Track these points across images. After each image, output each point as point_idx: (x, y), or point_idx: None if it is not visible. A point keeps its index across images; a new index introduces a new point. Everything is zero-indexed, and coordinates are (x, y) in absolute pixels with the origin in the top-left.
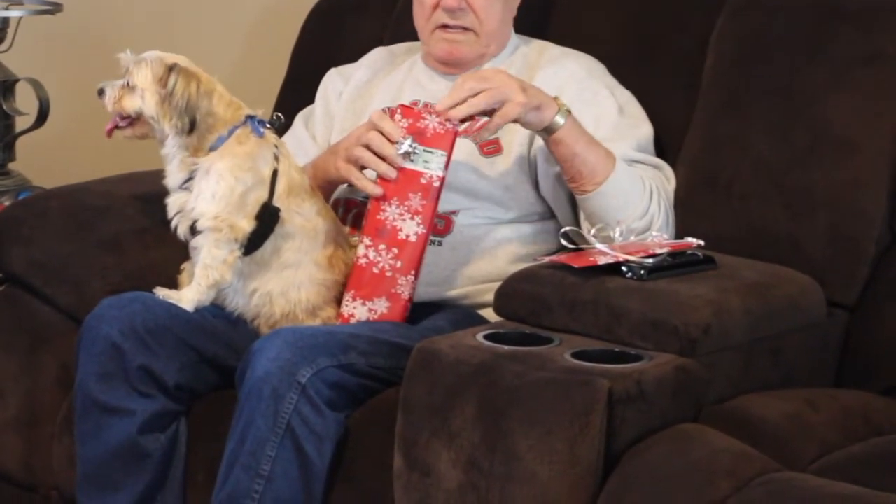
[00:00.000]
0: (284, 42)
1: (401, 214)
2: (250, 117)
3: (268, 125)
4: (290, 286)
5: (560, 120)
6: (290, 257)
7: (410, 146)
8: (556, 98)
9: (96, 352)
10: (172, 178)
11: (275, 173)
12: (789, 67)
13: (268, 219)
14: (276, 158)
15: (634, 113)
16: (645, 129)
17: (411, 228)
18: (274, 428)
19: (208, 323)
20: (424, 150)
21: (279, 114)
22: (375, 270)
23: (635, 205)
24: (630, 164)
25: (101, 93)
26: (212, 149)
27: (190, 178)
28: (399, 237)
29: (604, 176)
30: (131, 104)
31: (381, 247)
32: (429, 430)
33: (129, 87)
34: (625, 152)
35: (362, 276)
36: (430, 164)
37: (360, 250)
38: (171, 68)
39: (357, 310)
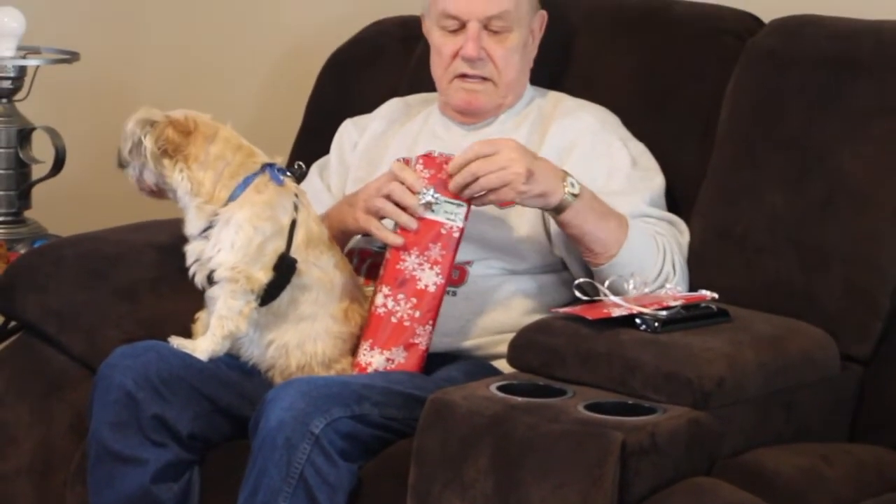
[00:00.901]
0: (300, 92)
1: (420, 264)
2: (269, 165)
3: (288, 173)
4: (307, 338)
5: (566, 202)
6: (306, 309)
7: (433, 197)
8: (564, 177)
9: (110, 400)
10: (192, 226)
11: (293, 223)
12: (804, 120)
13: (285, 270)
14: (296, 208)
15: (647, 165)
16: (658, 181)
17: (430, 279)
18: (287, 478)
19: (222, 372)
20: (446, 202)
21: (300, 163)
22: (394, 320)
23: (650, 269)
24: (643, 219)
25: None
26: (230, 199)
27: (209, 227)
28: (418, 287)
29: (616, 248)
30: (147, 178)
31: (400, 296)
32: (442, 481)
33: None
34: (637, 207)
35: (380, 326)
36: (451, 216)
37: (379, 300)
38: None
39: (374, 359)
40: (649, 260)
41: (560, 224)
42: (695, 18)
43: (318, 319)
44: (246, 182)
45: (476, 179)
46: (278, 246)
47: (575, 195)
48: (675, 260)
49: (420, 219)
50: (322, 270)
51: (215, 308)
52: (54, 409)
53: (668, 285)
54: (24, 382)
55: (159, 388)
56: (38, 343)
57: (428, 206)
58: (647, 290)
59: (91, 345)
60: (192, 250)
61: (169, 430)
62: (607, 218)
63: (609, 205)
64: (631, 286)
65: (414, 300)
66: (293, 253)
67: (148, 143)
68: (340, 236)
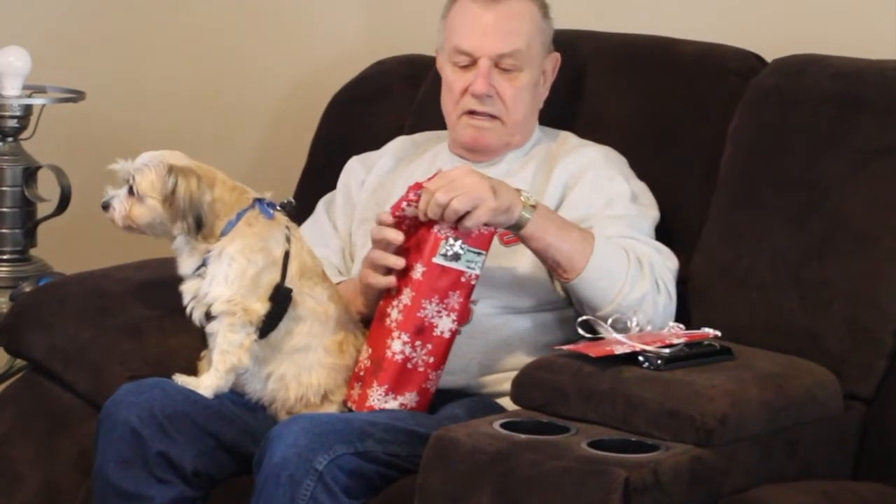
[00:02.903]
0: (305, 130)
1: (438, 312)
2: (259, 200)
3: (278, 207)
4: (302, 369)
5: (526, 215)
6: (300, 341)
7: (461, 248)
8: (519, 192)
9: (115, 437)
10: (185, 266)
11: (286, 254)
12: (807, 158)
13: (281, 300)
14: (288, 241)
15: (646, 201)
16: (652, 215)
17: (446, 325)
18: None
19: (227, 409)
20: (469, 250)
21: (291, 199)
22: (409, 366)
23: (622, 282)
24: (625, 238)
25: (106, 207)
26: (222, 234)
27: (203, 265)
28: (434, 334)
29: (583, 262)
30: (142, 216)
31: (418, 343)
32: None
33: (137, 197)
34: (623, 232)
35: (397, 372)
36: (472, 264)
37: (397, 346)
38: (169, 170)
39: (388, 403)
40: (620, 272)
41: (523, 239)
42: (698, 57)
43: (311, 351)
44: (238, 217)
45: (448, 204)
46: (273, 277)
47: (532, 206)
48: (651, 271)
49: (443, 268)
50: (316, 301)
51: (216, 343)
52: (59, 446)
53: (646, 302)
54: (29, 420)
55: (164, 425)
56: (44, 380)
57: (456, 256)
58: (629, 300)
59: (96, 382)
60: (187, 289)
61: (174, 468)
62: (568, 229)
63: (576, 223)
64: (634, 323)
65: (430, 346)
66: (287, 284)
67: (182, 189)
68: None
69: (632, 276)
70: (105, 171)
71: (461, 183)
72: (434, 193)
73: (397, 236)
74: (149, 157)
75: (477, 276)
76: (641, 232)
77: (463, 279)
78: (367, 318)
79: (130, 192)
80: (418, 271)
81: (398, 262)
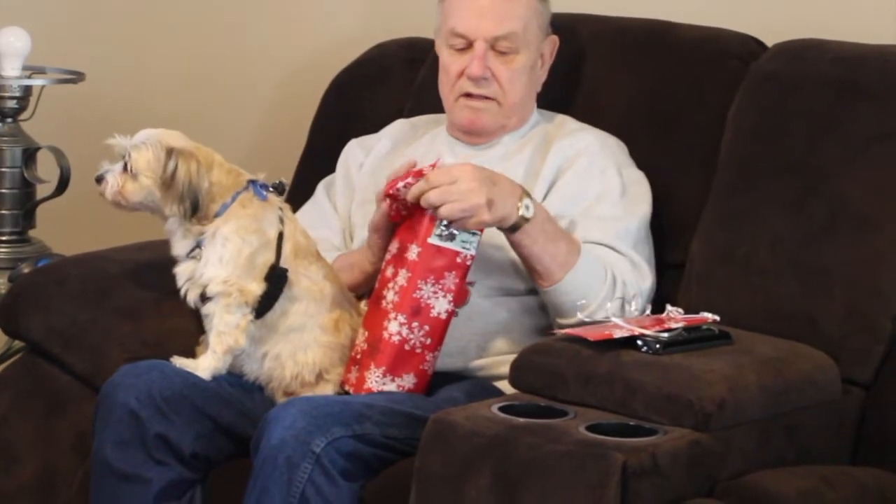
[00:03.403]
0: (304, 113)
1: (435, 293)
2: (252, 182)
3: (270, 189)
4: (298, 348)
5: (518, 224)
6: (296, 320)
7: (456, 228)
8: (521, 197)
9: (113, 419)
10: (179, 247)
11: (280, 235)
12: (807, 143)
13: (276, 280)
14: (282, 221)
15: (637, 195)
16: (641, 211)
17: (442, 306)
18: (288, 497)
19: (225, 391)
20: (464, 231)
21: (282, 179)
22: (407, 347)
23: (593, 299)
24: (606, 249)
25: (100, 180)
26: (216, 216)
27: (197, 247)
28: (431, 315)
29: (561, 274)
30: (134, 194)
31: (415, 324)
32: (443, 501)
33: (131, 174)
34: (607, 238)
35: (395, 354)
36: (467, 245)
37: (394, 327)
38: (169, 152)
39: (386, 386)
40: (594, 288)
41: (510, 242)
42: (698, 42)
43: (306, 330)
44: (233, 198)
45: (438, 207)
46: (268, 258)
47: (527, 218)
48: (627, 296)
49: (438, 248)
50: (311, 280)
51: (212, 325)
52: (57, 427)
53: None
54: (27, 401)
55: (162, 406)
56: (42, 362)
57: (451, 237)
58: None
59: (94, 364)
60: (181, 272)
61: (172, 449)
62: (557, 242)
63: (565, 229)
64: (633, 307)
65: (427, 328)
66: (282, 264)
67: (182, 173)
68: (362, 277)
69: (603, 296)
70: (105, 152)
71: (458, 189)
72: (429, 190)
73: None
74: (147, 134)
75: (472, 257)
76: (627, 235)
77: (458, 259)
78: (368, 290)
79: (125, 168)
80: (413, 252)
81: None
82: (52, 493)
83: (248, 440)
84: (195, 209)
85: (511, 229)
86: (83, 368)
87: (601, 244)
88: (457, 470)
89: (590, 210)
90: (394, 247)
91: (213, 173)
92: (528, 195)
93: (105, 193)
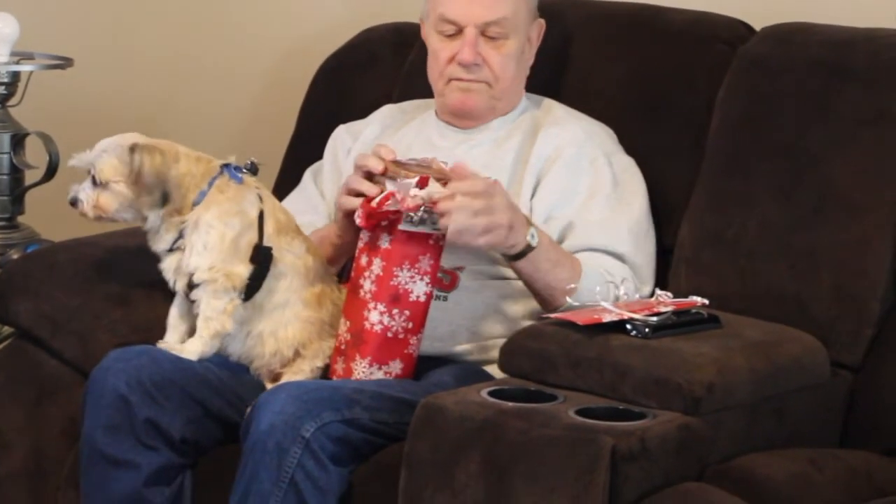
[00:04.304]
0: (293, 98)
1: (412, 278)
2: (225, 165)
3: (244, 170)
4: (279, 325)
5: (523, 253)
6: (281, 297)
7: (425, 211)
8: (529, 227)
9: (103, 404)
10: (162, 242)
11: (261, 214)
12: (795, 127)
13: (262, 259)
14: (261, 199)
15: (630, 185)
16: (636, 206)
17: (420, 289)
18: (277, 482)
19: (214, 376)
20: (433, 213)
21: (254, 159)
22: (390, 335)
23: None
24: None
25: (74, 203)
26: (195, 204)
27: (179, 237)
28: (410, 300)
29: (563, 301)
30: (109, 204)
31: (395, 311)
32: (432, 485)
33: (101, 186)
34: (611, 244)
35: (378, 343)
36: (437, 225)
37: (374, 317)
38: (132, 149)
39: (374, 374)
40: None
41: (512, 268)
42: (687, 25)
43: (289, 305)
44: (209, 185)
45: (473, 218)
46: (251, 238)
47: (533, 247)
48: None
49: (409, 234)
50: (295, 255)
51: (199, 310)
52: (47, 413)
53: None
54: (16, 387)
55: (152, 391)
56: (31, 348)
57: (421, 221)
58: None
59: (84, 349)
60: (168, 266)
61: (161, 434)
62: (559, 268)
63: (562, 230)
64: (622, 291)
65: (408, 312)
66: (266, 242)
67: (147, 165)
68: (333, 250)
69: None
70: (93, 138)
71: (494, 203)
72: (461, 195)
73: (378, 164)
74: (106, 143)
75: (444, 236)
76: (628, 235)
77: (431, 241)
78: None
79: (94, 182)
80: (385, 240)
81: (371, 189)
82: (41, 479)
83: (238, 426)
84: (165, 199)
85: (516, 257)
86: (73, 354)
87: (602, 251)
88: (446, 454)
89: (584, 208)
90: (365, 235)
91: (180, 164)
92: (534, 226)
93: (84, 212)
